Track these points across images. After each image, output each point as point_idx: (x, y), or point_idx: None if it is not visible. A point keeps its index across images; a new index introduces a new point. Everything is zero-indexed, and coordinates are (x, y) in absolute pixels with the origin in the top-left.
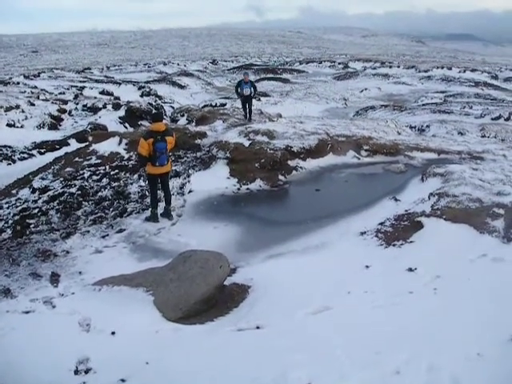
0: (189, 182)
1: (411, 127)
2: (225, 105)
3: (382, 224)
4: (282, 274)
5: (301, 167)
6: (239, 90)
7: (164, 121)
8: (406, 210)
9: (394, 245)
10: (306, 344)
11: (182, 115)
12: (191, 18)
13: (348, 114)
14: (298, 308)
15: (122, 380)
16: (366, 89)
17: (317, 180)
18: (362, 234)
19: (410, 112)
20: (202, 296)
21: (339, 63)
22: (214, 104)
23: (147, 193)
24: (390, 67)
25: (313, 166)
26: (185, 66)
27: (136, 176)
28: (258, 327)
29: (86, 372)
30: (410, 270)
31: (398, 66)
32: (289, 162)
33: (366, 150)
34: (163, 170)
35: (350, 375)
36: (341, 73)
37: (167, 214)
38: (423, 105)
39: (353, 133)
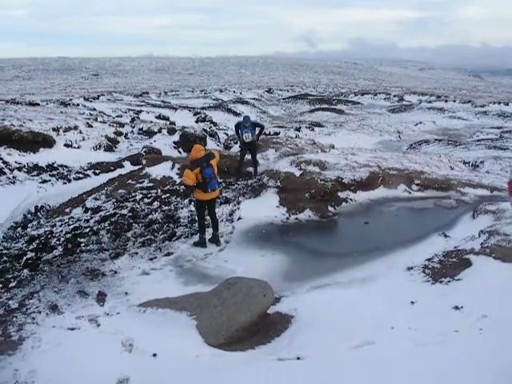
0: (238, 209)
1: (465, 162)
2: (278, 133)
3: (429, 260)
4: (326, 306)
5: (351, 199)
6: (239, 132)
7: (218, 147)
8: (455, 247)
9: (441, 281)
10: (347, 378)
11: (236, 142)
12: (246, 46)
13: (401, 147)
14: (341, 341)
15: None
16: (420, 122)
17: (366, 212)
18: (409, 269)
19: (464, 147)
20: (245, 323)
21: (394, 96)
22: (267, 132)
23: (196, 218)
24: (446, 101)
25: (363, 199)
26: (240, 93)
27: (186, 201)
28: (298, 358)
29: None
30: (456, 308)
31: (454, 101)
32: (339, 194)
33: (417, 185)
34: (214, 195)
35: None
36: (396, 105)
37: (215, 239)
38: (478, 140)
39: (405, 166)
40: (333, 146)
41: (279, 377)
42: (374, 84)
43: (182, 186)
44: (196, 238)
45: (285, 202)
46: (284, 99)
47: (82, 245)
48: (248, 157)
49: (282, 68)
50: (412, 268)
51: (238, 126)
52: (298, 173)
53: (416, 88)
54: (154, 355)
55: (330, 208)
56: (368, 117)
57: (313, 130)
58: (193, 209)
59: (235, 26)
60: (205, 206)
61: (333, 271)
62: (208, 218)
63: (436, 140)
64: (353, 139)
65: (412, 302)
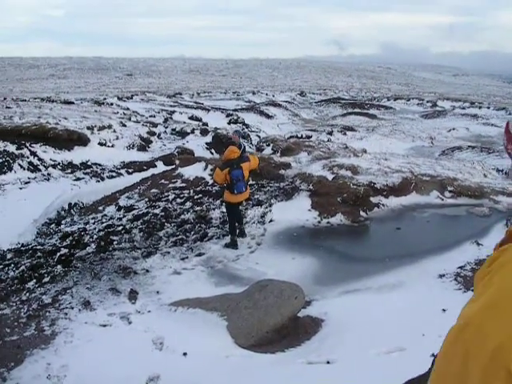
0: (270, 211)
1: (498, 170)
2: (310, 137)
3: (461, 268)
4: (356, 311)
5: (383, 204)
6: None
7: (250, 149)
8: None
9: (472, 290)
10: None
11: (268, 145)
12: (277, 48)
13: (434, 153)
14: (371, 346)
15: None
16: (453, 128)
17: (398, 218)
18: (441, 276)
19: (497, 154)
20: (275, 326)
21: (427, 101)
22: (299, 135)
23: (227, 219)
24: (480, 108)
25: (395, 204)
26: (273, 96)
27: (218, 202)
28: (328, 362)
29: None
30: None
31: (488, 107)
32: (371, 199)
33: (450, 191)
34: (241, 198)
35: None
36: (429, 111)
37: (241, 232)
38: None
39: (437, 173)
40: (365, 151)
41: (308, 380)
42: (408, 89)
43: (215, 187)
44: (227, 239)
45: (317, 205)
46: (316, 102)
47: (115, 243)
48: None
49: (315, 71)
50: (444, 275)
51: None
52: (330, 177)
53: (449, 94)
54: (185, 354)
55: (362, 213)
56: (400, 122)
57: (345, 134)
58: (225, 210)
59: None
60: (235, 209)
61: (364, 276)
62: None
63: (469, 147)
64: (385, 144)
65: (443, 310)
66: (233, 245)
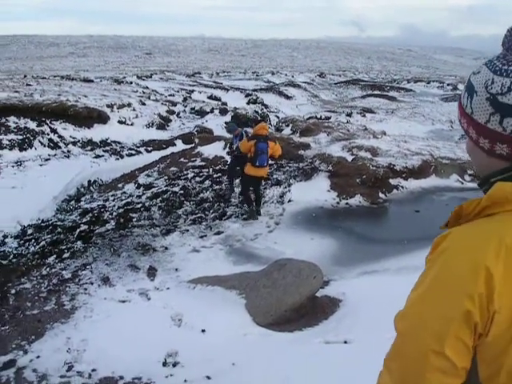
0: (289, 191)
1: None
2: (329, 118)
3: None
4: (374, 292)
5: (402, 186)
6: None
7: (268, 129)
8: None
9: None
10: None
11: (287, 125)
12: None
13: (453, 136)
14: (389, 327)
15: (208, 377)
16: None
17: (417, 201)
18: None
19: None
20: (294, 305)
21: (448, 84)
22: (318, 116)
23: (241, 192)
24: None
25: (414, 187)
26: (292, 76)
27: (238, 181)
28: (345, 342)
29: (174, 365)
30: None
31: None
32: (390, 181)
33: (469, 175)
34: (261, 172)
35: None
36: (449, 94)
37: (257, 212)
38: None
39: (457, 156)
40: (384, 133)
41: (326, 359)
42: (428, 72)
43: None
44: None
45: (336, 186)
46: (336, 84)
47: (134, 220)
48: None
49: (335, 52)
50: None
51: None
52: (349, 158)
53: None
54: (203, 331)
55: (381, 194)
56: (420, 105)
57: (364, 115)
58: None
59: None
60: (251, 183)
61: (382, 258)
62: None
63: None
64: (404, 127)
65: None
66: (253, 215)
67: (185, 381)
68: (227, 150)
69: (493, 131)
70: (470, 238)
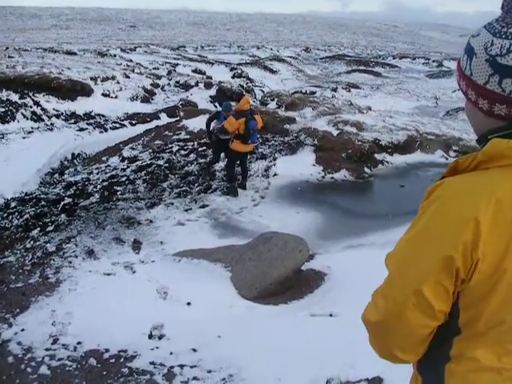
0: (274, 165)
1: None
2: (315, 93)
3: None
4: (359, 266)
5: (387, 161)
6: (213, 125)
7: (253, 103)
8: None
9: None
10: None
11: (272, 99)
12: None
13: (438, 113)
14: None
15: (194, 350)
16: (458, 89)
17: (402, 176)
18: None
19: None
20: (279, 278)
21: (433, 61)
22: (304, 91)
23: (226, 168)
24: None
25: (399, 162)
26: (278, 51)
27: (223, 154)
28: (331, 315)
29: (160, 338)
30: None
31: None
32: (376, 155)
33: (454, 151)
34: (250, 148)
35: None
36: (434, 71)
37: (242, 185)
38: None
39: (443, 132)
40: (370, 108)
41: (311, 332)
42: (413, 48)
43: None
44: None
45: (321, 160)
46: (321, 59)
47: (119, 193)
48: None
49: (320, 27)
50: None
51: (212, 117)
52: (335, 132)
53: (456, 54)
54: (188, 304)
55: (366, 169)
56: (405, 81)
57: (349, 91)
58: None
59: None
60: (238, 158)
61: (367, 232)
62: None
63: None
64: (389, 102)
65: None
66: (233, 192)
67: (171, 353)
68: (213, 124)
69: (492, 92)
70: (462, 189)
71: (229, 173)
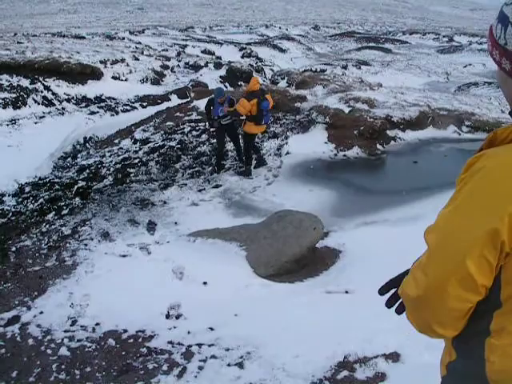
0: (287, 143)
1: None
2: (325, 71)
3: None
4: (374, 242)
5: (399, 138)
6: (212, 113)
7: (263, 82)
8: None
9: None
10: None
11: (283, 78)
12: None
13: (449, 88)
14: (389, 276)
15: (211, 328)
16: (469, 64)
17: (415, 152)
18: None
19: None
20: (294, 256)
21: (444, 36)
22: (314, 69)
23: (243, 150)
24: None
25: (411, 138)
26: (286, 30)
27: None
28: (346, 292)
29: (177, 317)
30: None
31: None
32: (388, 132)
33: (467, 126)
34: (263, 128)
35: (436, 346)
36: (445, 46)
37: (262, 160)
38: None
39: (455, 107)
40: (381, 85)
41: (327, 309)
42: (423, 23)
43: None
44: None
45: (333, 138)
46: (330, 36)
47: (132, 175)
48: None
49: (329, 5)
50: None
51: (210, 104)
52: (346, 110)
53: (466, 29)
54: (205, 283)
55: (379, 146)
56: (416, 57)
57: (360, 68)
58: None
59: None
60: (254, 139)
61: (381, 209)
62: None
63: (485, 83)
64: (400, 79)
65: None
66: (248, 173)
67: (188, 332)
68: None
69: None
70: (506, 159)
71: (246, 155)
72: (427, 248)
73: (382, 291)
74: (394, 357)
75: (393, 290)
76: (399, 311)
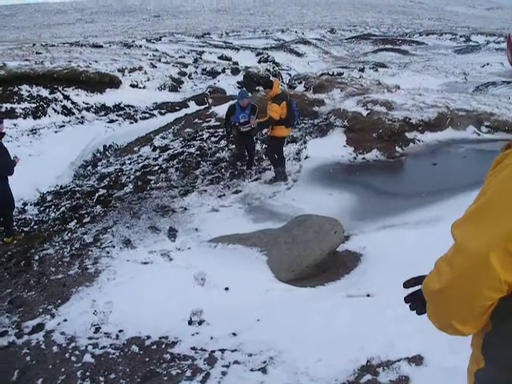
0: (305, 148)
1: None
2: (342, 74)
3: None
4: (395, 245)
5: (418, 140)
6: (232, 120)
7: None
8: None
9: None
10: (417, 316)
11: (300, 82)
12: None
13: (467, 88)
14: None
15: (234, 334)
16: (487, 64)
17: (434, 154)
18: None
19: None
20: (315, 260)
21: (460, 36)
22: (331, 73)
23: (264, 156)
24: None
25: (430, 140)
26: (303, 34)
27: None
28: (368, 295)
29: (200, 323)
30: None
31: None
32: (406, 134)
33: (486, 126)
34: (290, 130)
35: (459, 349)
36: (462, 46)
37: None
38: None
39: (473, 108)
40: (398, 87)
41: (349, 313)
42: (440, 24)
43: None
44: (266, 175)
45: (352, 141)
46: (347, 39)
47: (152, 182)
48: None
49: (345, 8)
50: None
51: (230, 112)
52: (364, 112)
53: (483, 28)
54: (226, 289)
55: (398, 148)
56: (433, 58)
57: (377, 70)
58: (259, 148)
59: None
60: (283, 143)
61: (401, 211)
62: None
63: (504, 82)
64: (417, 80)
65: None
66: (284, 177)
67: (211, 338)
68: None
69: None
70: None
71: (279, 159)
72: (454, 242)
73: (407, 284)
74: (417, 360)
75: (417, 287)
76: (419, 312)
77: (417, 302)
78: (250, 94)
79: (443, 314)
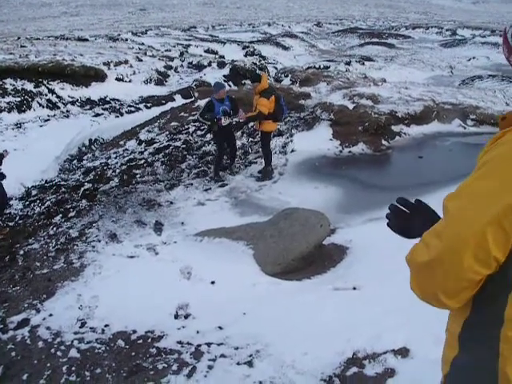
0: (291, 141)
1: None
2: (328, 67)
3: None
4: (381, 238)
5: (404, 133)
6: (209, 115)
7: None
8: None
9: None
10: (403, 308)
11: (286, 76)
12: None
13: (453, 82)
14: (396, 272)
15: (220, 327)
16: (473, 57)
17: (420, 147)
18: None
19: None
20: (301, 253)
21: (447, 30)
22: (317, 66)
23: (250, 150)
24: (501, 36)
25: (416, 133)
26: (289, 27)
27: (239, 133)
28: (354, 288)
29: (186, 317)
30: None
31: None
32: (392, 127)
33: (472, 120)
34: (276, 125)
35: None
36: (448, 40)
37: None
38: None
39: (459, 101)
40: (384, 80)
41: (335, 306)
42: (426, 18)
43: (236, 119)
44: (252, 169)
45: (338, 135)
46: (333, 33)
47: (138, 176)
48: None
49: (331, 1)
50: None
51: (208, 107)
52: (351, 106)
53: (469, 22)
54: (213, 283)
55: (384, 142)
56: (419, 51)
57: (363, 64)
58: (245, 142)
59: None
60: (270, 137)
61: (387, 204)
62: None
63: (490, 76)
64: (404, 74)
65: None
66: (271, 175)
67: (197, 332)
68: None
69: None
70: None
71: (268, 155)
72: (446, 215)
73: (400, 201)
74: (403, 352)
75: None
76: (389, 224)
77: (395, 216)
78: (226, 85)
79: (429, 286)
